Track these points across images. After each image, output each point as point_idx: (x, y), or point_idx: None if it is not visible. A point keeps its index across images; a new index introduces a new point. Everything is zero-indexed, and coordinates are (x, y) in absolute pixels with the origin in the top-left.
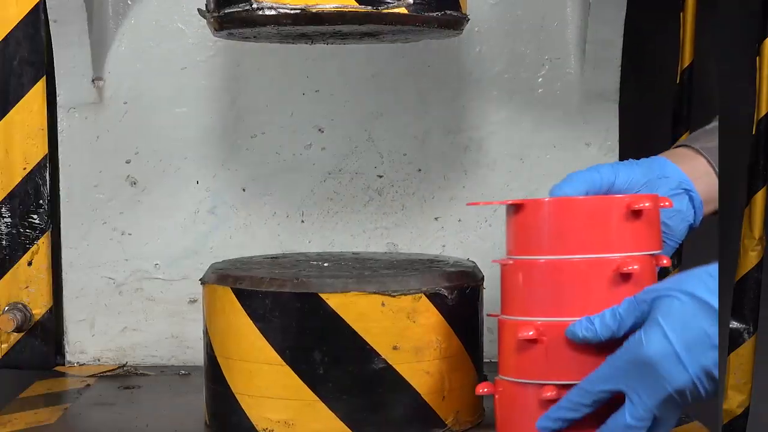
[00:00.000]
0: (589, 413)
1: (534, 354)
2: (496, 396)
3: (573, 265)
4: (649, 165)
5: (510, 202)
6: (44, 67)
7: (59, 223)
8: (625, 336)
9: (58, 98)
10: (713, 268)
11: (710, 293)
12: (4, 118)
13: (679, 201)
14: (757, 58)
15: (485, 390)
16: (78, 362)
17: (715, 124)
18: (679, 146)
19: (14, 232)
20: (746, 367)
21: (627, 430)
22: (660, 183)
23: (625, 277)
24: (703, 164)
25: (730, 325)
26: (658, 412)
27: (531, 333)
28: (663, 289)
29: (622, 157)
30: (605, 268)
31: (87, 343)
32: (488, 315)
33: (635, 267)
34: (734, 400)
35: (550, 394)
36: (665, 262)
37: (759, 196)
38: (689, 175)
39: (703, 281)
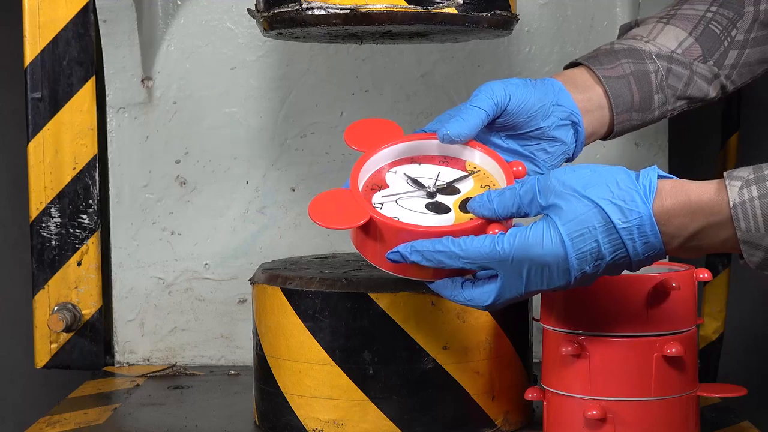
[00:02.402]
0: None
1: (577, 368)
2: (545, 402)
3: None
4: (544, 90)
5: None
6: (93, 67)
7: (108, 224)
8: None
9: (107, 98)
10: (624, 176)
11: (614, 207)
12: (53, 119)
13: (565, 133)
14: None
15: (534, 395)
16: (127, 362)
17: (620, 45)
18: (581, 65)
19: (63, 232)
20: (720, 297)
21: (490, 308)
22: (552, 111)
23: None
24: (598, 95)
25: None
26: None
27: (573, 347)
28: (569, 187)
29: (672, 156)
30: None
31: (136, 343)
32: (533, 320)
33: (674, 285)
34: (710, 327)
35: (595, 412)
36: (704, 275)
37: (733, 140)
38: (582, 106)
39: (611, 190)
